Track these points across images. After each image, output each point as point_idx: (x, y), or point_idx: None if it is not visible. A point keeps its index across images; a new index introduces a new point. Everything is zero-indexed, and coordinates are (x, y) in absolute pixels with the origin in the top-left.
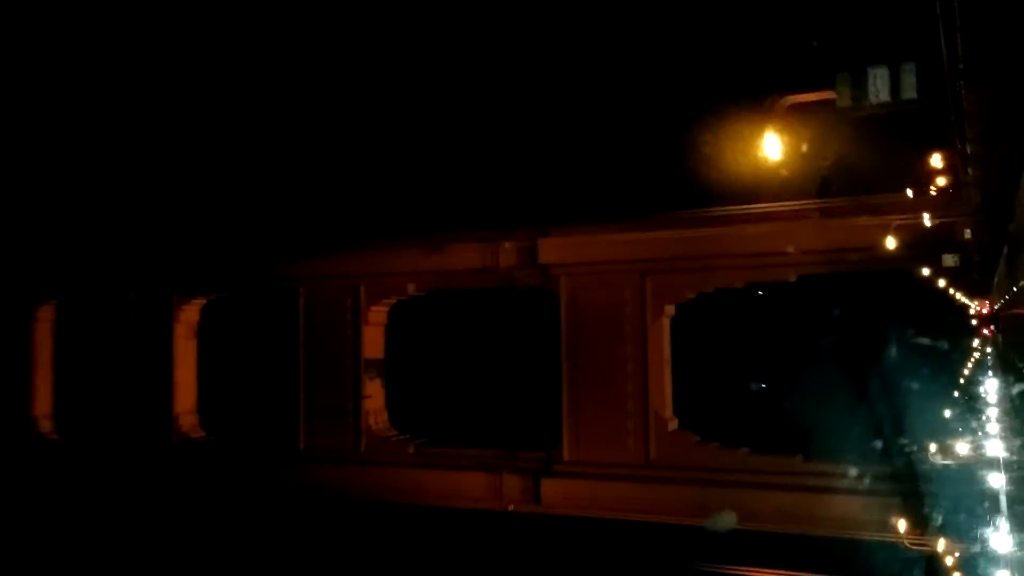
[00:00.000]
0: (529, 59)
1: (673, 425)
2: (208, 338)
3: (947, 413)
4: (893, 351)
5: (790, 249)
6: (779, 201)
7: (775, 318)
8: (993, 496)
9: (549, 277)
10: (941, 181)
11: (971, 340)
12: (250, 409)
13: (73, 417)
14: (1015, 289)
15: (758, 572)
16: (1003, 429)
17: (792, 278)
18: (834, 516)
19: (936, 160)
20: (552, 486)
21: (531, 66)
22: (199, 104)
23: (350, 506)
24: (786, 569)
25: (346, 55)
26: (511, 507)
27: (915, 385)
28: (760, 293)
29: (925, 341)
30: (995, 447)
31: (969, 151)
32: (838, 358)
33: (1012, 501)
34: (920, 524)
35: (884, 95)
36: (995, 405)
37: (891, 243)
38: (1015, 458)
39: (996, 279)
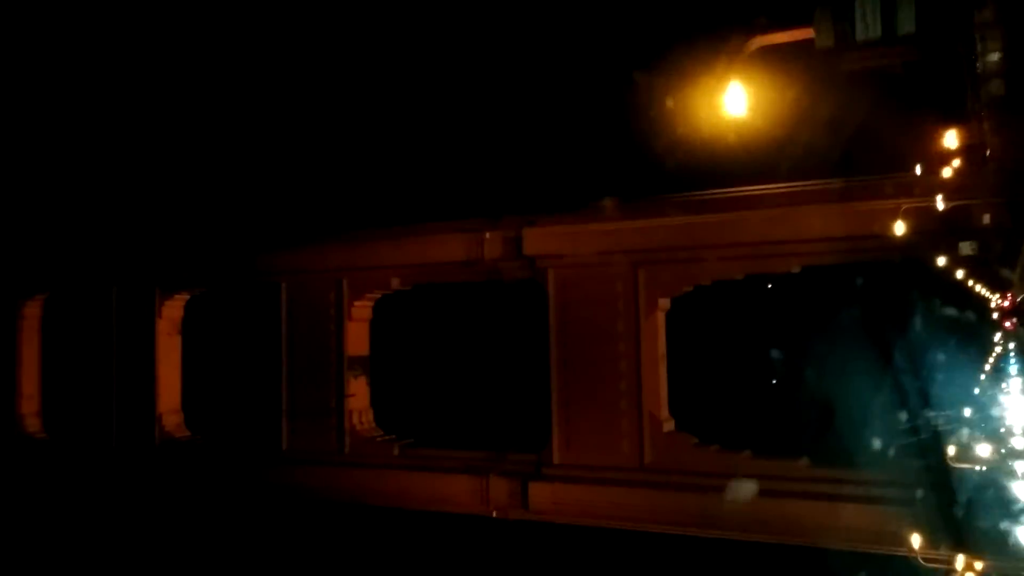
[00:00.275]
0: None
1: (669, 426)
2: (192, 334)
3: (966, 413)
4: (907, 347)
5: (792, 237)
6: (747, 177)
7: (778, 311)
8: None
9: (537, 269)
10: (953, 158)
11: (991, 335)
12: (234, 408)
13: (60, 415)
14: None
15: None
16: None
17: (796, 269)
18: (844, 526)
19: (947, 134)
20: (541, 490)
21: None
22: (180, 101)
23: (334, 509)
24: None
25: (328, 49)
26: (495, 513)
27: (930, 384)
28: (769, 286)
29: (940, 337)
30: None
31: (985, 115)
32: (846, 356)
33: None
34: (939, 536)
35: (875, 30)
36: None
37: (900, 229)
38: None
39: (1019, 269)
